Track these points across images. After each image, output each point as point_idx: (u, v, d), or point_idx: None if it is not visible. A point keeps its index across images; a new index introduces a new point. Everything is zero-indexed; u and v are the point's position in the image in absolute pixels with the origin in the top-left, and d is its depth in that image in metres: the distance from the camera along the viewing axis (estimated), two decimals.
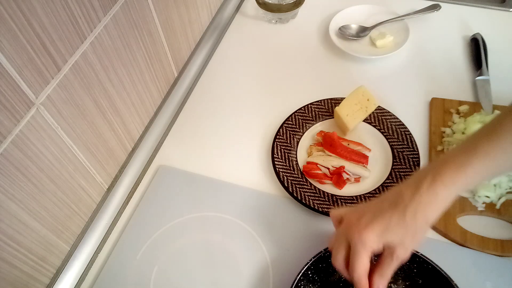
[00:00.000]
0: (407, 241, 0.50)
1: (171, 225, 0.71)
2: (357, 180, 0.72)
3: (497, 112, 0.73)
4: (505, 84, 0.81)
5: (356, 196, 0.69)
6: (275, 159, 0.74)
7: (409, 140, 0.74)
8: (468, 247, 0.64)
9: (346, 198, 0.69)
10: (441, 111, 0.78)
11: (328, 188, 0.72)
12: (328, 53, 0.93)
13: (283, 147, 0.76)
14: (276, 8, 0.96)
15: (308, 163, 0.74)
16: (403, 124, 0.76)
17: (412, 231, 0.49)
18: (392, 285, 0.61)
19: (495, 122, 0.50)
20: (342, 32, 0.93)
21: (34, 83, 0.53)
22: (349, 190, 0.72)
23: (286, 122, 0.79)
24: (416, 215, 0.48)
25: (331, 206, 0.68)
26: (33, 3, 0.50)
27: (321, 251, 0.60)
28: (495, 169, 0.50)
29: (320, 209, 0.68)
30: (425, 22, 0.95)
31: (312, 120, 0.80)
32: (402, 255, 0.50)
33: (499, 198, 0.67)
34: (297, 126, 0.79)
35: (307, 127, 0.79)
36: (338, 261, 0.53)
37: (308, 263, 0.59)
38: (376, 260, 0.53)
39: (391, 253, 0.50)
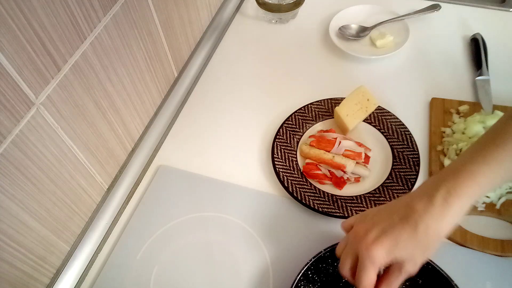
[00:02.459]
0: (417, 256, 0.49)
1: (171, 225, 0.71)
2: (357, 180, 0.72)
3: (497, 112, 0.73)
4: (505, 84, 0.81)
5: (356, 196, 0.69)
6: (275, 159, 0.74)
7: (409, 140, 0.74)
8: (468, 247, 0.64)
9: (346, 198, 0.69)
10: (441, 111, 0.78)
11: (328, 188, 0.72)
12: (328, 53, 0.93)
13: (283, 147, 0.76)
14: (276, 8, 0.96)
15: (307, 163, 0.74)
16: (403, 124, 0.76)
17: (423, 246, 0.48)
18: None
19: (498, 127, 0.50)
20: (342, 32, 0.93)
21: (34, 83, 0.53)
22: (349, 190, 0.72)
23: (286, 122, 0.79)
24: (428, 230, 0.47)
25: (331, 206, 0.68)
26: (33, 3, 0.50)
27: (321, 251, 0.60)
28: (506, 175, 0.49)
29: (320, 209, 0.68)
30: (425, 22, 0.95)
31: (312, 120, 0.80)
32: (411, 270, 0.49)
33: (499, 198, 0.67)
34: (297, 126, 0.79)
35: (307, 127, 0.79)
36: (345, 270, 0.53)
37: (308, 263, 0.59)
38: (384, 270, 0.52)
39: (400, 267, 0.50)
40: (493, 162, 0.47)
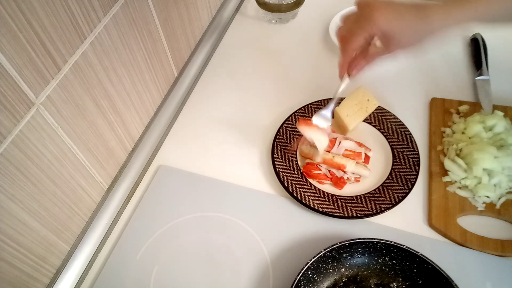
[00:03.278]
0: (407, 36, 0.54)
1: (171, 225, 0.71)
2: (357, 180, 0.72)
3: (497, 112, 0.73)
4: (505, 84, 0.81)
5: (356, 196, 0.69)
6: (275, 159, 0.74)
7: (409, 140, 0.74)
8: (468, 247, 0.64)
9: (346, 198, 0.69)
10: (441, 111, 0.78)
11: (328, 188, 0.72)
12: (328, 53, 0.93)
13: (283, 147, 0.76)
14: (276, 8, 0.96)
15: (307, 163, 0.74)
16: (403, 124, 0.76)
17: (419, 30, 0.54)
18: (391, 284, 0.62)
19: None
20: None
21: (34, 83, 0.53)
22: (349, 190, 0.72)
23: (286, 122, 0.79)
24: (433, 19, 0.54)
25: (331, 206, 0.68)
26: (33, 3, 0.50)
27: (321, 251, 0.60)
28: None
29: (320, 209, 0.68)
30: None
31: None
32: (393, 48, 0.56)
33: (499, 198, 0.67)
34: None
35: None
36: (340, 30, 0.61)
37: (308, 263, 0.59)
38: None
39: (386, 41, 0.55)
40: None
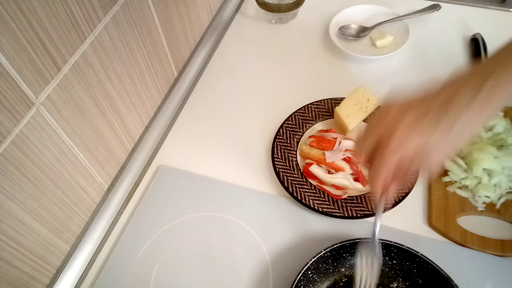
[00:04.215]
0: (442, 149, 0.47)
1: (171, 225, 0.71)
2: (356, 180, 0.72)
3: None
4: None
5: (356, 196, 0.69)
6: (275, 159, 0.74)
7: None
8: (468, 247, 0.64)
9: (346, 198, 0.69)
10: None
11: (328, 188, 0.72)
12: (328, 53, 0.93)
13: (283, 147, 0.76)
14: (276, 8, 0.96)
15: (307, 163, 0.74)
16: None
17: (454, 140, 0.47)
18: (391, 284, 0.62)
19: None
20: (342, 32, 0.93)
21: (34, 83, 0.53)
22: (349, 190, 0.71)
23: (286, 122, 0.79)
24: (465, 126, 0.46)
25: (331, 206, 0.68)
26: (33, 3, 0.50)
27: (321, 251, 0.60)
28: None
29: (320, 209, 0.68)
30: (425, 22, 0.95)
31: (312, 120, 0.80)
32: (433, 163, 0.48)
33: (499, 198, 0.67)
34: (297, 126, 0.79)
35: (307, 127, 0.79)
36: (365, 146, 0.50)
37: (308, 263, 0.59)
38: None
39: (423, 158, 0.48)
40: None
